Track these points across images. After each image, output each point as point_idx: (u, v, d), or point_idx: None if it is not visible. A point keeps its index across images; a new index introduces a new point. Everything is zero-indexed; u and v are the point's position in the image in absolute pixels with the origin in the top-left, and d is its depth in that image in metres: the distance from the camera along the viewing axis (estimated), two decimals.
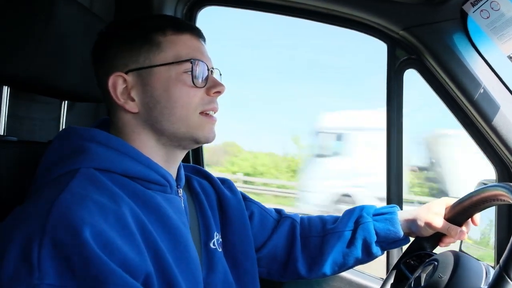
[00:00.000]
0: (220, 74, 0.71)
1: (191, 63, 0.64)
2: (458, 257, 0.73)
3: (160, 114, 0.63)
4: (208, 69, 0.66)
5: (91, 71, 0.78)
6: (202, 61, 0.65)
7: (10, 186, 0.66)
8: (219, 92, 0.67)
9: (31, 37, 0.68)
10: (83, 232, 0.47)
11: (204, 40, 0.70)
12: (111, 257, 0.48)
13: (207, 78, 0.66)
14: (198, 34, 0.68)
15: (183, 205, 0.69)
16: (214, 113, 0.68)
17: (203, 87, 0.65)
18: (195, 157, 1.30)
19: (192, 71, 0.64)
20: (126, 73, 0.63)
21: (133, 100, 0.64)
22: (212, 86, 0.66)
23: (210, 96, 0.66)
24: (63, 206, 0.50)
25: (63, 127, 0.89)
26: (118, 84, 0.63)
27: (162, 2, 1.13)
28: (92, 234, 0.48)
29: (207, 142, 0.68)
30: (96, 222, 0.49)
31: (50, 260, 0.46)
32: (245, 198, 0.88)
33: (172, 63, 0.63)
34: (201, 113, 0.65)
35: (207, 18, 1.25)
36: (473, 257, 0.78)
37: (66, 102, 0.89)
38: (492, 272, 0.69)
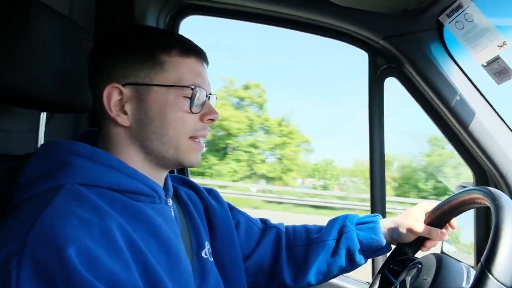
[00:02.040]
0: (216, 98, 0.71)
1: (192, 89, 0.63)
2: (440, 258, 0.75)
3: (152, 133, 0.62)
4: (206, 95, 0.66)
5: (71, 81, 0.76)
6: (203, 88, 0.64)
7: None
8: (212, 120, 0.67)
9: (7, 46, 0.66)
10: (66, 250, 0.45)
11: (207, 64, 0.69)
12: (97, 275, 0.46)
13: (203, 104, 0.65)
14: (203, 58, 0.67)
15: (173, 215, 0.68)
16: (203, 138, 0.67)
17: (198, 112, 0.65)
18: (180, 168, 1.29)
19: (191, 97, 0.63)
20: (124, 85, 0.61)
21: (125, 113, 0.62)
22: (207, 113, 0.66)
23: (203, 123, 0.66)
24: (45, 223, 0.48)
25: (42, 139, 0.86)
26: (113, 96, 0.61)
27: (144, 11, 1.12)
28: (76, 252, 0.46)
29: (191, 167, 0.68)
30: (80, 238, 0.47)
31: (30, 281, 0.44)
32: (231, 208, 0.88)
33: (173, 85, 0.62)
34: (191, 137, 0.65)
35: (190, 26, 1.25)
36: (454, 258, 0.81)
37: (44, 113, 0.86)
38: (472, 272, 0.71)
